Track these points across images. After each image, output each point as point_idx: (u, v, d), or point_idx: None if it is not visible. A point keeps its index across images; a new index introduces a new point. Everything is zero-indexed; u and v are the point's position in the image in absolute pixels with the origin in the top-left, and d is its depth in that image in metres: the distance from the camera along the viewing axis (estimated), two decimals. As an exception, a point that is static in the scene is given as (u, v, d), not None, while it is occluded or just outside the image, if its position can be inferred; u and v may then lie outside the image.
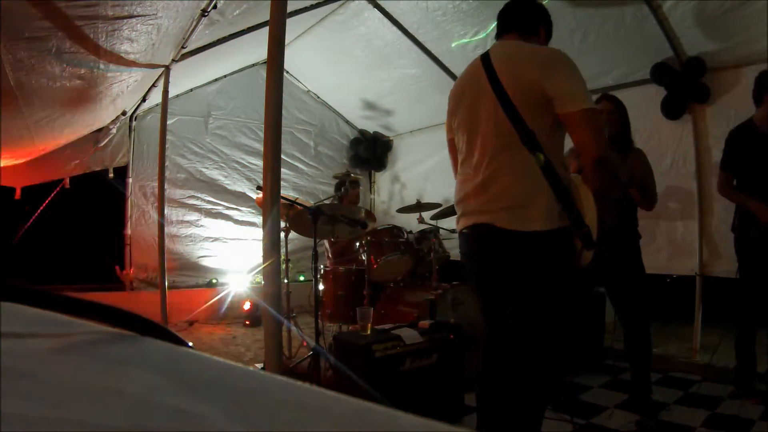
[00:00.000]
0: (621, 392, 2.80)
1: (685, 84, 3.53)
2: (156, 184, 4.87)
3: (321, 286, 3.54)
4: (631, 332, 2.50)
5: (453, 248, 3.85)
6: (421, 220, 3.93)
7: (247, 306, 5.06)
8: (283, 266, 3.40)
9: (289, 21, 2.13)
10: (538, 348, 1.75)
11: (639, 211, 2.65)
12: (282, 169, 2.23)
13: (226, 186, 5.63)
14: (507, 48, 1.76)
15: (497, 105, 1.64)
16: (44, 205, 4.65)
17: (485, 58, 1.75)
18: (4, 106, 3.01)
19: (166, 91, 4.18)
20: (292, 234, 3.49)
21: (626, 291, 2.53)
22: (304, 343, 3.46)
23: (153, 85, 4.38)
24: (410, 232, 3.77)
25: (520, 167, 1.62)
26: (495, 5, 3.61)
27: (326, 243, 4.02)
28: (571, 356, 3.11)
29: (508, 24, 1.82)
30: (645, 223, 3.89)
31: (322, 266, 3.74)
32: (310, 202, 3.44)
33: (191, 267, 5.38)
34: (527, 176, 1.61)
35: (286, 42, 2.14)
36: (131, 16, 2.76)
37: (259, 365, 2.82)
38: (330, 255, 4.03)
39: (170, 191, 5.12)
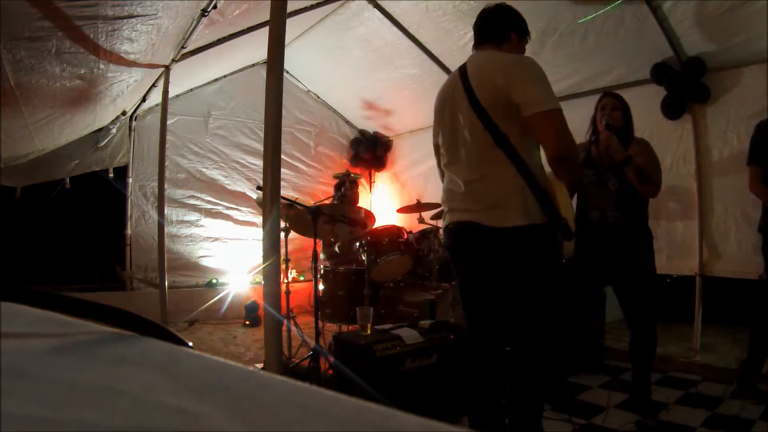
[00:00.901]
0: (621, 392, 2.80)
1: (685, 84, 3.53)
2: (156, 184, 4.87)
3: (321, 286, 3.54)
4: (637, 333, 2.47)
5: (453, 248, 3.85)
6: (421, 220, 3.93)
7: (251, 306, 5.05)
8: (283, 266, 3.40)
9: (289, 21, 2.13)
10: (530, 342, 1.78)
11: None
12: (282, 169, 2.24)
13: (226, 186, 5.63)
14: (479, 59, 1.87)
15: (473, 114, 1.75)
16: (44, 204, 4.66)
17: (462, 69, 1.86)
18: (4, 106, 3.01)
19: (166, 91, 4.18)
20: (292, 234, 3.49)
21: (634, 291, 2.48)
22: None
23: (153, 85, 4.38)
24: (410, 232, 3.77)
25: (498, 170, 1.73)
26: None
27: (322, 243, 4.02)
28: (571, 356, 3.10)
29: (480, 36, 1.94)
30: (645, 223, 3.91)
31: (322, 266, 3.74)
32: (310, 202, 3.44)
33: (191, 267, 5.38)
34: (505, 177, 1.72)
35: (286, 42, 2.14)
36: (131, 16, 2.77)
37: (259, 365, 2.82)
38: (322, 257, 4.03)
39: (170, 191, 5.11)
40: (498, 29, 1.89)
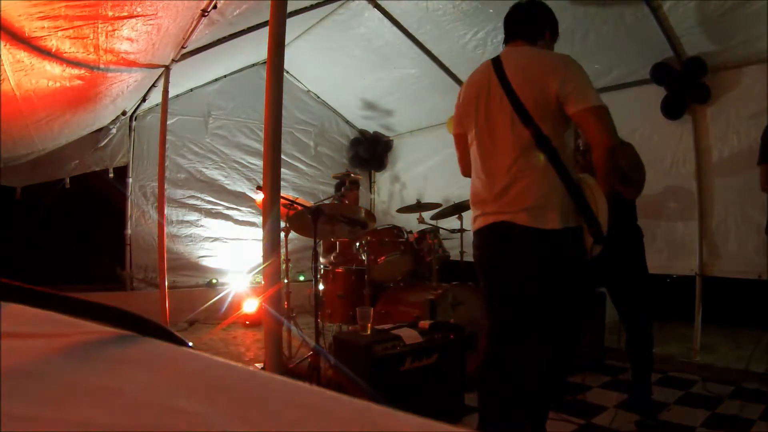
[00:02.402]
0: (621, 392, 2.80)
1: (685, 84, 3.53)
2: (156, 184, 4.87)
3: (321, 286, 3.53)
4: (632, 332, 2.48)
5: (453, 248, 3.85)
6: (421, 220, 3.92)
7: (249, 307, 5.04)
8: (283, 266, 3.40)
9: (289, 21, 2.13)
10: (555, 342, 1.79)
11: (639, 211, 2.63)
12: (282, 169, 2.23)
13: (226, 186, 5.63)
14: (519, 56, 1.83)
15: (513, 113, 1.73)
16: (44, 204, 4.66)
17: (497, 63, 1.82)
18: (4, 106, 3.01)
19: (166, 91, 4.18)
20: (292, 234, 3.49)
21: (627, 291, 2.51)
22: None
23: (153, 85, 4.38)
24: (410, 232, 3.77)
25: (538, 171, 1.72)
26: (495, 5, 3.60)
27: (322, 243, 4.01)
28: (573, 356, 3.10)
29: (514, 31, 1.91)
30: (645, 223, 3.88)
31: (322, 266, 3.74)
32: (310, 202, 3.44)
33: (191, 267, 5.38)
34: (545, 179, 1.72)
35: (286, 42, 2.14)
36: (131, 16, 2.76)
37: (259, 365, 2.82)
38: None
39: (170, 191, 5.11)
40: (534, 25, 1.88)
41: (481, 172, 1.86)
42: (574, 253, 1.76)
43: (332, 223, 3.18)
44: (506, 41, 1.93)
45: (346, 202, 4.02)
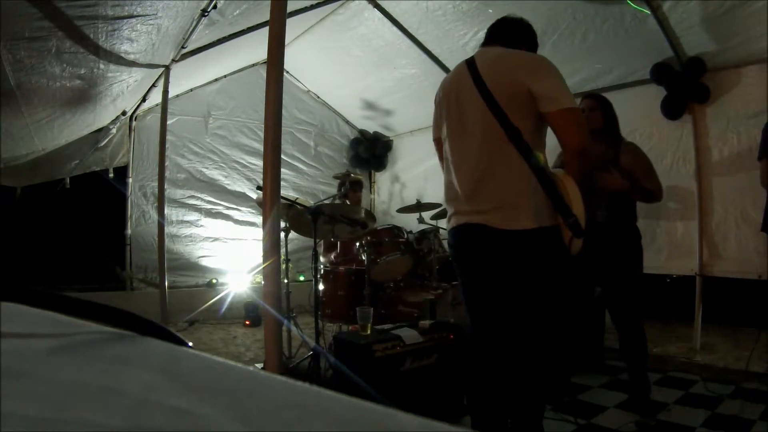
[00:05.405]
0: (621, 392, 2.80)
1: (685, 84, 3.53)
2: (156, 184, 4.87)
3: (321, 286, 3.53)
4: (625, 333, 2.49)
5: (453, 248, 3.85)
6: (421, 220, 3.93)
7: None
8: (283, 266, 3.40)
9: (289, 21, 2.13)
10: (536, 345, 1.78)
11: (639, 210, 2.63)
12: (282, 169, 2.23)
13: (226, 186, 5.63)
14: (492, 54, 1.84)
15: (485, 107, 1.71)
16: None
17: (470, 62, 1.82)
18: (4, 106, 3.01)
19: (166, 91, 4.18)
20: (292, 234, 3.49)
21: (620, 291, 2.51)
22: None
23: (153, 85, 4.38)
24: (410, 232, 3.77)
25: (510, 168, 1.70)
26: (495, 5, 3.60)
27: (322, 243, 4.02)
28: (571, 356, 3.10)
29: (493, 37, 1.93)
30: (645, 223, 3.89)
31: (322, 266, 3.74)
32: (310, 202, 3.44)
33: (191, 267, 5.38)
34: (517, 176, 1.69)
35: (286, 42, 2.14)
36: (131, 16, 2.77)
37: (259, 365, 2.82)
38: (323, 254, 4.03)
39: (170, 191, 5.11)
40: (513, 38, 1.89)
41: (453, 167, 1.85)
42: (551, 251, 1.71)
43: (332, 223, 3.18)
44: (483, 45, 1.95)
45: (348, 201, 4.02)
